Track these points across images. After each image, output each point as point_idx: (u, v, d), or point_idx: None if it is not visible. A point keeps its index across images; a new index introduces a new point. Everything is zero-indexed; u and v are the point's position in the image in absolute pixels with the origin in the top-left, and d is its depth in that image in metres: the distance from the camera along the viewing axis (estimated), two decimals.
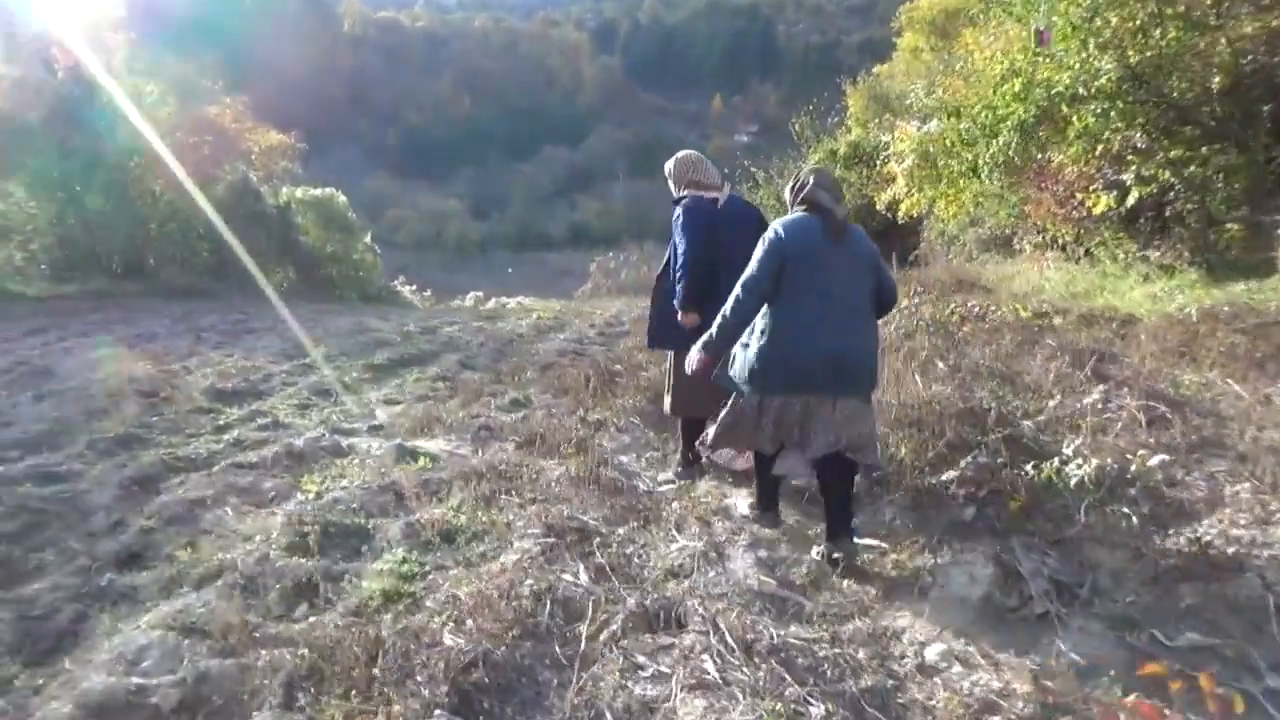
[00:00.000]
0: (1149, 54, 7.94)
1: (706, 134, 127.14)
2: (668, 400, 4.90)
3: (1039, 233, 11.46)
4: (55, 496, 4.64)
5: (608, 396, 6.49)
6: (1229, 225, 7.91)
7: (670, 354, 4.84)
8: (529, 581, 3.13)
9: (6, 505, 4.39)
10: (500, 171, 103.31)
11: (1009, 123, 8.86)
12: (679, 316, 4.56)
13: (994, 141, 9.23)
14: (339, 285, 25.02)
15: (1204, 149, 7.93)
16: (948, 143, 12.10)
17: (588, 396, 6.55)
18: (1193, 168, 7.98)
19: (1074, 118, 8.43)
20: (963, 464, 4.02)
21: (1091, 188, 9.92)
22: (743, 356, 3.81)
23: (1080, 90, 8.13)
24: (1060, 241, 10.99)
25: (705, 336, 3.90)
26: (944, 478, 4.03)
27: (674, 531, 3.80)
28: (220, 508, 4.40)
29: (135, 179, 19.78)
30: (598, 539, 3.64)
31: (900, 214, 17.85)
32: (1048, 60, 8.61)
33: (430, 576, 3.46)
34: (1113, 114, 8.07)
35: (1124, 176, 9.24)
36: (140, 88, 21.40)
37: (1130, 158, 8.74)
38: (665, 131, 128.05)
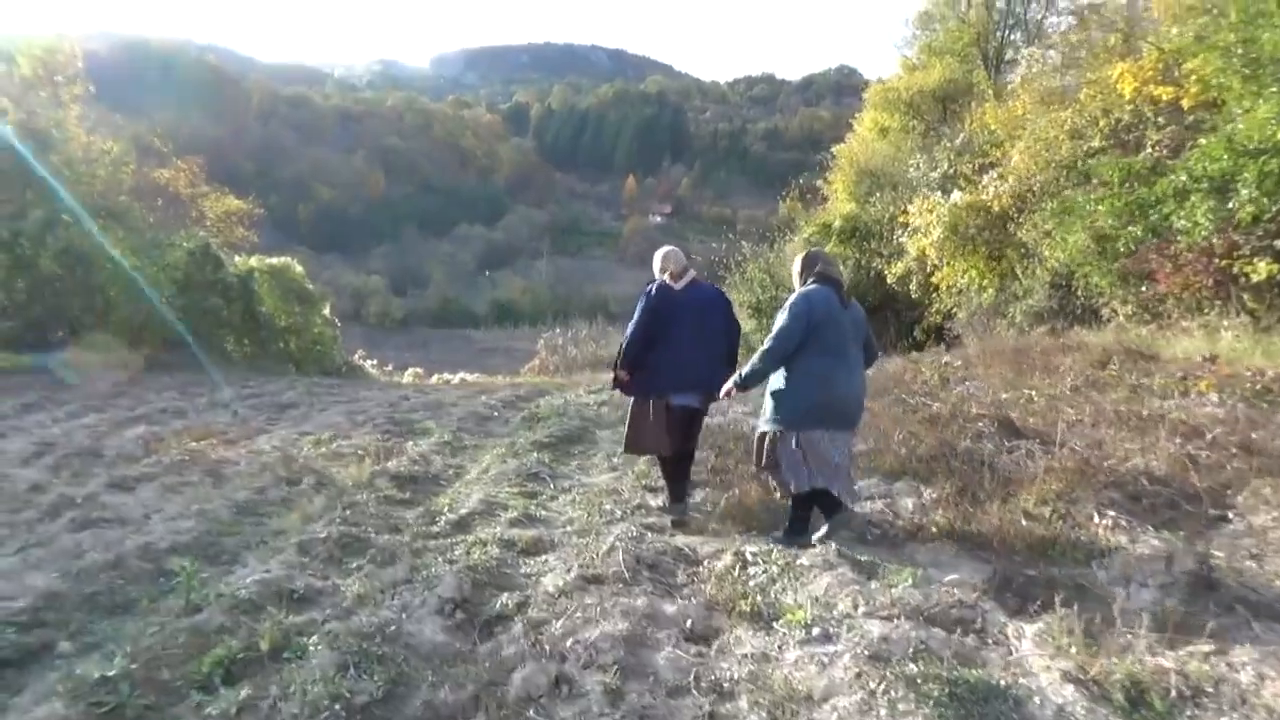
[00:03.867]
0: None
1: (621, 214, 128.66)
2: (630, 442, 5.34)
3: (1157, 302, 10.86)
4: (359, 631, 3.22)
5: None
6: None
7: (631, 401, 5.36)
8: None
9: (335, 649, 3.00)
10: (418, 248, 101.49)
11: (1250, 173, 8.01)
12: (617, 369, 5.27)
13: (1237, 192, 8.17)
14: (298, 358, 23.13)
15: None
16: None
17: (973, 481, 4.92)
18: None
19: None
20: None
21: (1236, 254, 9.39)
22: (780, 403, 4.46)
23: None
24: (1184, 309, 10.42)
25: (739, 376, 4.60)
26: None
27: None
28: (653, 646, 3.06)
29: (95, 243, 17.78)
30: None
31: (939, 284, 17.43)
32: None
33: None
34: None
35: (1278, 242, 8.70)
36: (99, 145, 19.63)
37: None
38: (581, 212, 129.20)
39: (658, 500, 5.37)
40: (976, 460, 4.87)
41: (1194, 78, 10.39)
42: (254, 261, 23.70)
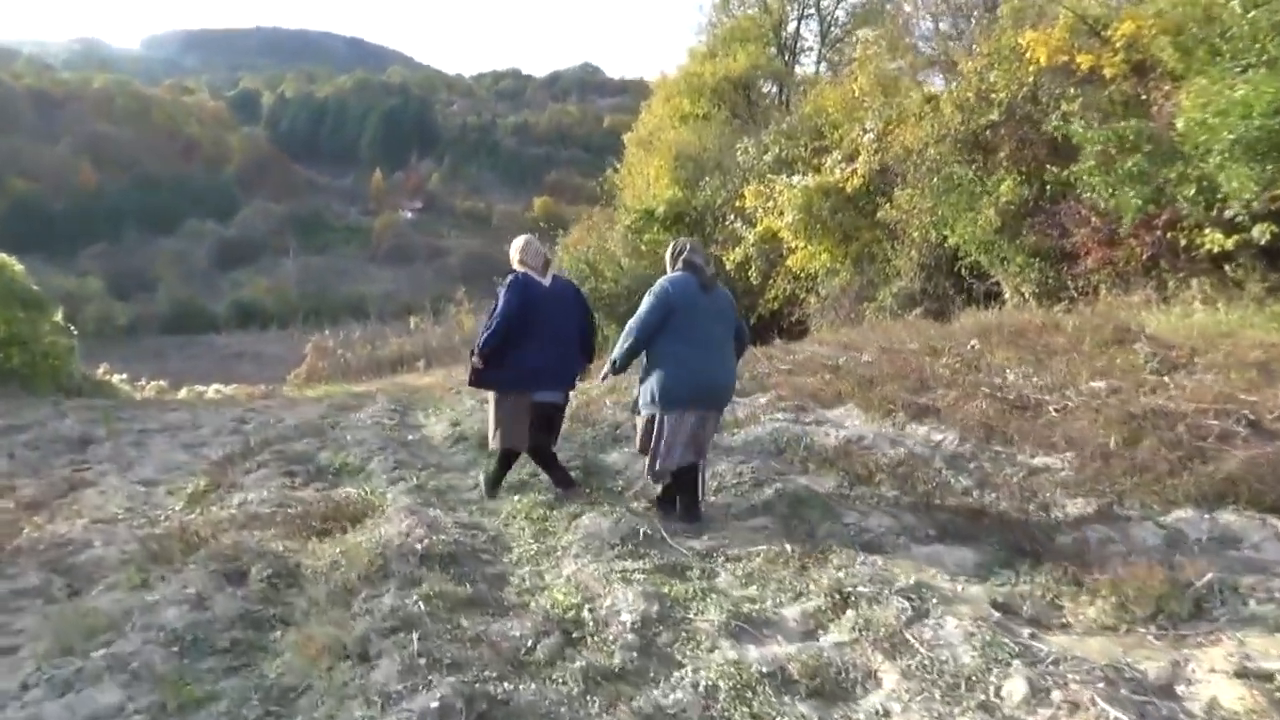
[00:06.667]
0: None
1: (369, 209, 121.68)
2: (492, 436, 5.36)
3: (1077, 279, 10.48)
4: None
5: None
6: None
7: (492, 396, 5.34)
8: None
9: None
10: (140, 247, 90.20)
11: None
12: (474, 358, 5.22)
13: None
14: (25, 375, 18.72)
15: None
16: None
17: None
18: None
19: None
20: None
21: (1180, 225, 9.08)
22: (648, 387, 4.63)
23: None
24: (1110, 285, 10.07)
25: (610, 362, 4.80)
26: None
27: None
28: None
29: None
30: None
31: (791, 268, 16.74)
32: None
33: None
34: None
35: (1230, 213, 8.37)
36: None
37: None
38: (325, 206, 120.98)
39: (951, 581, 3.54)
40: None
41: (1121, 43, 10.06)
42: None
